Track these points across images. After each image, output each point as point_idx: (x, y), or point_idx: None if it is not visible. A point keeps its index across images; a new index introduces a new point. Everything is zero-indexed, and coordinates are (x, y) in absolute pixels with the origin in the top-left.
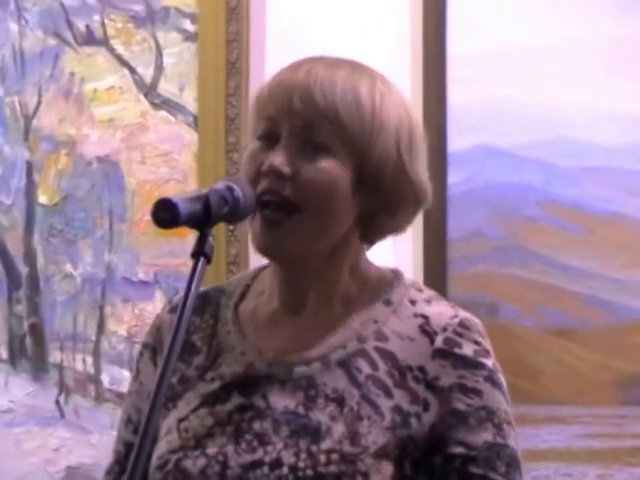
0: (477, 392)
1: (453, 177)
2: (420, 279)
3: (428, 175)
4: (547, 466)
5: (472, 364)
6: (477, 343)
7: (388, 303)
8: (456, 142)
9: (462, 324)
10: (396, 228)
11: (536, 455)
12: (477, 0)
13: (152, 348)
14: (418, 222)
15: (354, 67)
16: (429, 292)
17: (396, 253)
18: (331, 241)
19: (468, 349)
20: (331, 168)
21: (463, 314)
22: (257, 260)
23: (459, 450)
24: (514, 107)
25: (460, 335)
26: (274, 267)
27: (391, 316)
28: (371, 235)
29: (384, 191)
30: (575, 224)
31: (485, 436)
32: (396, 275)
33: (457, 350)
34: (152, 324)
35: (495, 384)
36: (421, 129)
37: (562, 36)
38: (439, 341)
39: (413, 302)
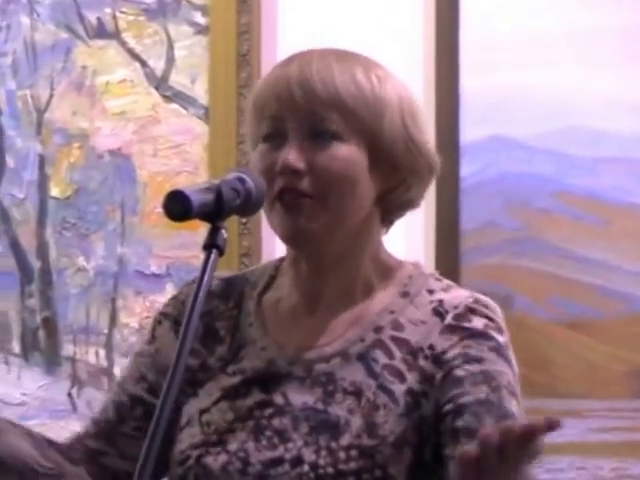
0: (478, 359)
1: (466, 168)
2: (432, 270)
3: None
4: (562, 459)
5: (479, 335)
6: (489, 319)
7: (406, 295)
8: (469, 133)
9: (476, 301)
10: (412, 202)
11: (551, 448)
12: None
13: (174, 319)
14: (431, 213)
15: (346, 54)
16: (448, 282)
17: (408, 245)
18: (353, 225)
19: (478, 322)
20: (345, 153)
21: (480, 296)
22: (269, 253)
23: (449, 407)
24: (528, 95)
25: (472, 311)
26: (295, 259)
27: (408, 306)
28: (390, 213)
29: (399, 165)
30: (590, 215)
31: (478, 395)
32: (416, 267)
33: (466, 324)
34: (175, 297)
35: (501, 355)
36: (419, 103)
37: (577, 23)
38: (449, 318)
39: (431, 291)
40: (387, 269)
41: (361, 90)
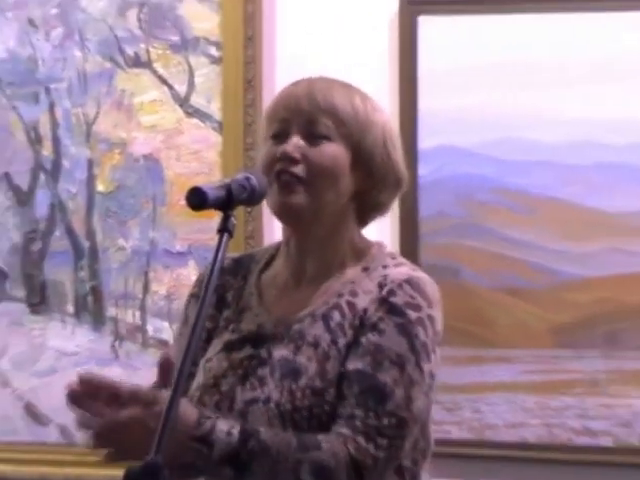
0: (380, 331)
1: (423, 169)
2: (397, 250)
3: (404, 166)
4: (497, 396)
5: (394, 310)
6: (412, 297)
7: (366, 269)
8: (425, 142)
9: (408, 281)
10: (382, 205)
11: (488, 387)
12: (442, 27)
13: (197, 297)
14: (395, 205)
15: (348, 84)
16: (401, 260)
17: (378, 229)
18: (332, 211)
19: (400, 299)
20: (332, 150)
21: (416, 274)
22: (269, 236)
23: (342, 369)
24: (473, 113)
25: (401, 288)
26: (287, 241)
27: (365, 278)
28: (363, 212)
29: (374, 172)
30: (520, 206)
31: (358, 364)
32: (379, 247)
33: (391, 298)
34: (198, 278)
35: (403, 332)
36: (398, 134)
37: (511, 55)
38: (384, 291)
39: (385, 267)
40: (359, 251)
41: (355, 110)
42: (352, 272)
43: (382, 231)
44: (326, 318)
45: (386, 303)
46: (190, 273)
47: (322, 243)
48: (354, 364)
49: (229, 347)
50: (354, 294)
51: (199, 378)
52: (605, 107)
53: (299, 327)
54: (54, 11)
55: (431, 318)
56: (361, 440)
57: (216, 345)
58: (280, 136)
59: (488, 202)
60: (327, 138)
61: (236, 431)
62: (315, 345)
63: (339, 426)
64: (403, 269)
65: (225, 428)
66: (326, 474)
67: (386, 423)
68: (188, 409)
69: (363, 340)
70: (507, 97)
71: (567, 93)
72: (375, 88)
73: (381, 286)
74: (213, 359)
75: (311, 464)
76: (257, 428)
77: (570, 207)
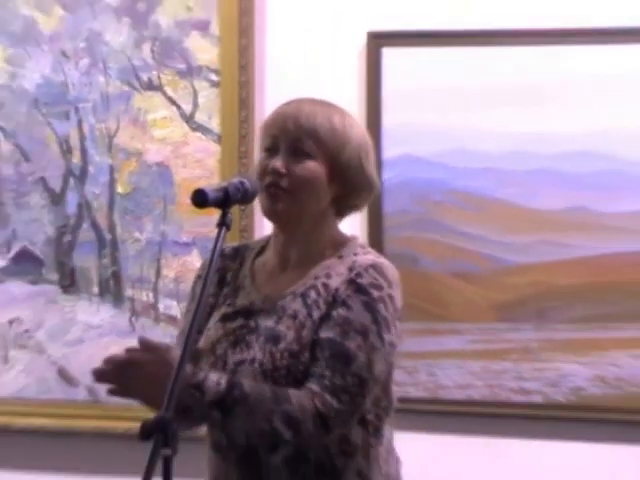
0: (348, 307)
1: (386, 174)
2: (365, 241)
3: (377, 175)
4: (448, 362)
5: (360, 289)
6: (375, 279)
7: (340, 257)
8: (389, 152)
9: (373, 265)
10: (356, 207)
11: (441, 355)
12: (402, 57)
13: (200, 278)
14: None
15: (329, 105)
16: (369, 250)
17: (351, 224)
18: (314, 213)
19: (365, 280)
20: (313, 167)
21: (380, 260)
22: (260, 229)
23: (315, 336)
24: (428, 128)
25: (366, 271)
26: (276, 235)
27: (339, 264)
28: (341, 212)
29: (349, 182)
30: (469, 205)
31: (330, 333)
32: (353, 239)
33: (358, 280)
34: (202, 264)
35: (367, 307)
36: (372, 147)
37: (460, 81)
38: (353, 273)
39: (355, 254)
40: (337, 243)
41: (334, 130)
42: (329, 260)
43: (353, 225)
44: (304, 296)
45: (354, 283)
46: (194, 260)
47: (304, 238)
48: (326, 333)
49: (225, 318)
50: (328, 276)
51: (200, 343)
52: (534, 123)
53: (282, 303)
54: (82, 44)
55: (391, 297)
56: (327, 396)
57: (215, 316)
58: (272, 149)
59: (442, 202)
60: (309, 156)
61: (224, 381)
62: (294, 317)
63: (310, 383)
64: (369, 256)
65: (215, 378)
66: (294, 423)
67: (349, 382)
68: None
69: (334, 313)
70: (457, 115)
71: (504, 112)
72: (347, 107)
73: (350, 269)
74: (212, 328)
75: (282, 414)
76: (241, 380)
77: (509, 206)
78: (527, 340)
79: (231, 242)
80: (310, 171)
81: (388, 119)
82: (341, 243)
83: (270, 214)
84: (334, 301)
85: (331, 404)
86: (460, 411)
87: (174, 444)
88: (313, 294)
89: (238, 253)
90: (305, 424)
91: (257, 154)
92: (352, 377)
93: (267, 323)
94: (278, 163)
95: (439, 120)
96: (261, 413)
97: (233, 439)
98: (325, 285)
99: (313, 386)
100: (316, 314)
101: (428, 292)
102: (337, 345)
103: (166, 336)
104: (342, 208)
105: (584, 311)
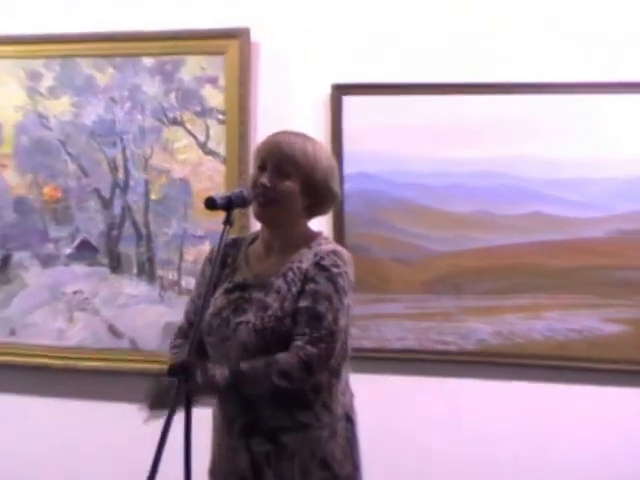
0: (316, 282)
1: (346, 186)
2: (331, 235)
3: (339, 190)
4: (390, 322)
5: (323, 268)
6: (334, 261)
7: (310, 247)
8: (348, 170)
9: (333, 252)
10: (323, 212)
11: (385, 317)
12: (359, 103)
13: (210, 260)
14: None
15: (304, 136)
16: (332, 241)
17: (320, 223)
18: (290, 216)
19: (327, 262)
20: (290, 185)
21: (339, 248)
22: (254, 226)
23: (296, 306)
24: (377, 155)
25: (328, 255)
26: (263, 229)
27: (308, 252)
28: (311, 215)
29: (317, 195)
30: (405, 209)
31: (305, 303)
32: (319, 234)
33: (321, 262)
34: (210, 250)
35: (330, 280)
36: (337, 168)
37: (399, 119)
38: (317, 258)
39: (319, 244)
40: (308, 238)
41: (306, 155)
42: (302, 250)
43: (323, 223)
44: (284, 275)
45: (319, 265)
46: (206, 248)
47: (283, 233)
48: (302, 303)
49: (227, 291)
50: (301, 262)
51: (209, 310)
52: (453, 152)
53: (269, 280)
54: (126, 93)
55: (346, 272)
56: (308, 347)
57: (219, 290)
58: (261, 167)
59: (386, 207)
60: (288, 176)
61: (227, 372)
62: (278, 292)
63: (296, 340)
64: (330, 245)
65: (219, 372)
66: (287, 375)
67: (323, 334)
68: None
69: (307, 288)
70: (397, 145)
71: (432, 143)
72: (318, 138)
73: (316, 255)
74: (218, 298)
75: (276, 372)
76: (238, 365)
77: (433, 211)
78: (446, 306)
79: (232, 235)
80: (288, 188)
81: (347, 147)
82: (311, 237)
83: (259, 217)
84: (305, 278)
85: (312, 352)
86: (398, 357)
87: (192, 380)
88: (291, 274)
89: (236, 243)
90: (294, 373)
91: (252, 170)
92: (325, 330)
93: (258, 295)
94: (265, 179)
95: (384, 148)
96: (261, 378)
97: (247, 399)
98: (299, 267)
99: (298, 342)
100: (294, 289)
101: (376, 272)
102: (311, 310)
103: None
104: (312, 213)
105: (486, 286)
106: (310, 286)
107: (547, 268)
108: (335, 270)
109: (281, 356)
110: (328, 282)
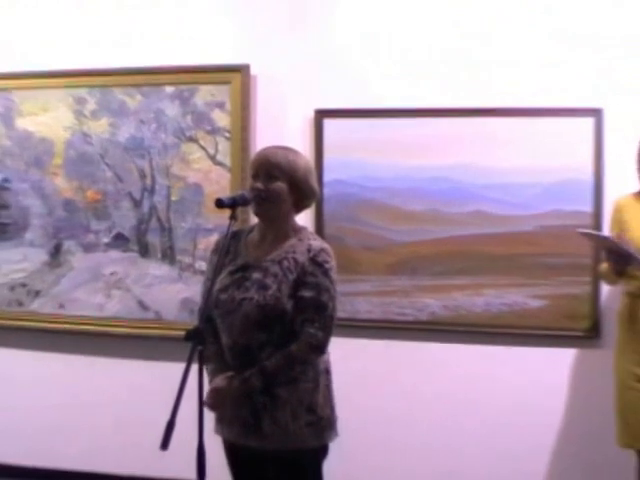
0: (315, 275)
1: (325, 190)
2: (313, 228)
3: (317, 187)
4: (360, 298)
5: (318, 264)
6: (325, 257)
7: (300, 239)
8: (327, 177)
9: (321, 249)
10: (307, 206)
11: (356, 294)
12: (336, 125)
13: (217, 250)
14: (313, 207)
15: (286, 148)
16: (317, 237)
17: (306, 219)
18: (281, 212)
19: (320, 258)
20: (279, 186)
21: (325, 245)
22: (253, 220)
23: (298, 294)
24: (350, 164)
25: (320, 253)
26: (259, 222)
27: (300, 245)
28: (298, 210)
29: (301, 193)
30: (372, 208)
31: (309, 294)
32: (305, 228)
33: (315, 258)
34: (216, 242)
35: (326, 275)
36: (314, 170)
37: (369, 138)
38: (311, 254)
39: (308, 239)
40: (296, 230)
41: (287, 161)
42: (292, 240)
43: (307, 219)
44: (280, 263)
45: (314, 261)
46: (214, 238)
47: (276, 225)
48: (307, 293)
49: (231, 272)
50: (294, 252)
51: (217, 286)
52: (413, 161)
53: (266, 264)
54: (152, 115)
55: (333, 266)
56: (319, 333)
57: (224, 272)
58: (255, 176)
59: (357, 206)
60: (276, 178)
61: (255, 371)
62: (275, 275)
63: (306, 327)
64: (318, 242)
65: (249, 375)
66: (303, 360)
67: (327, 320)
68: (234, 384)
69: (308, 280)
70: (367, 156)
71: (396, 155)
72: (302, 151)
73: (309, 250)
74: (224, 278)
75: (297, 362)
76: (264, 364)
77: (395, 209)
78: (405, 285)
79: (234, 228)
80: (279, 188)
81: (327, 159)
82: (299, 230)
83: (257, 213)
84: (303, 272)
85: (320, 337)
86: (367, 326)
87: (204, 343)
88: (286, 262)
89: (236, 235)
90: (309, 357)
91: (249, 178)
92: (328, 317)
93: (257, 276)
94: (259, 184)
95: (356, 160)
96: (286, 369)
97: (249, 363)
98: (294, 259)
99: (310, 330)
100: (290, 276)
101: (349, 258)
102: (316, 300)
103: (200, 282)
104: (298, 208)
105: (437, 269)
106: (310, 279)
107: (485, 255)
108: (327, 265)
109: (295, 347)
110: (324, 276)
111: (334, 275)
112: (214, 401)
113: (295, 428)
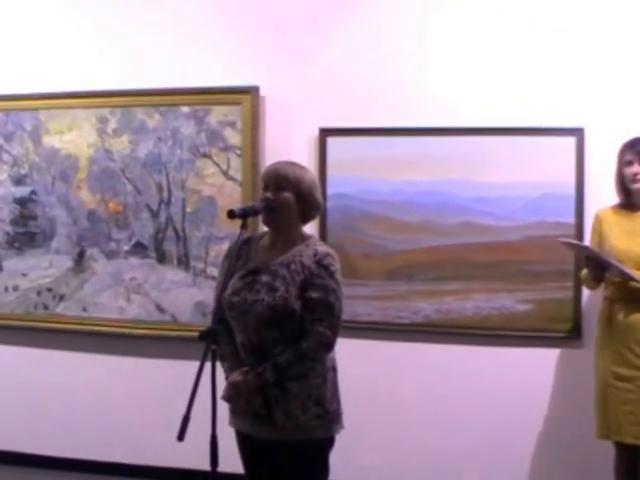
0: (322, 277)
1: (329, 203)
2: (318, 236)
3: (322, 200)
4: (360, 301)
5: (325, 267)
6: (331, 261)
7: (307, 245)
8: (330, 191)
9: (327, 254)
10: (312, 217)
11: (356, 297)
12: (339, 143)
13: (228, 256)
14: (318, 218)
15: (293, 163)
16: (323, 243)
17: (311, 229)
18: (289, 222)
19: (327, 262)
20: (287, 196)
21: (331, 250)
22: (262, 228)
23: (306, 295)
24: (351, 179)
25: (325, 257)
26: (270, 231)
27: (306, 250)
28: (304, 220)
29: (307, 204)
30: (371, 219)
31: (317, 295)
32: (312, 236)
33: (322, 261)
34: (228, 248)
35: (332, 277)
36: (319, 185)
37: (368, 155)
38: (317, 258)
39: (315, 245)
40: (304, 237)
41: (295, 174)
42: (299, 246)
43: (312, 229)
44: (288, 266)
45: (321, 264)
46: (225, 246)
47: (284, 233)
48: (315, 294)
49: (242, 276)
50: (301, 256)
51: (229, 290)
52: (407, 176)
53: (274, 267)
54: (169, 133)
55: (338, 269)
56: (328, 331)
57: (236, 275)
58: (266, 188)
59: (357, 217)
60: (284, 189)
61: (268, 366)
62: (283, 278)
63: (315, 326)
64: (324, 247)
65: (263, 370)
66: (312, 357)
67: (335, 320)
68: (249, 378)
69: (315, 282)
70: (366, 172)
71: (393, 171)
72: (308, 166)
73: (315, 254)
74: (236, 282)
75: (307, 358)
76: (276, 360)
77: (391, 220)
78: (401, 290)
79: (246, 235)
80: (287, 198)
81: (330, 174)
82: (306, 237)
83: (266, 222)
84: (311, 274)
85: (329, 335)
86: (366, 327)
87: (217, 342)
88: (293, 266)
89: (248, 240)
90: (318, 354)
91: (260, 191)
92: (335, 316)
93: (266, 279)
94: (269, 194)
95: (357, 175)
96: (297, 365)
97: (263, 359)
98: (301, 262)
99: (319, 328)
100: (297, 278)
101: (350, 264)
102: (324, 300)
103: (212, 286)
104: (304, 218)
105: (431, 275)
106: (317, 281)
107: (476, 262)
108: (332, 268)
109: (306, 344)
110: (330, 278)
111: (339, 277)
112: (231, 394)
113: (304, 420)
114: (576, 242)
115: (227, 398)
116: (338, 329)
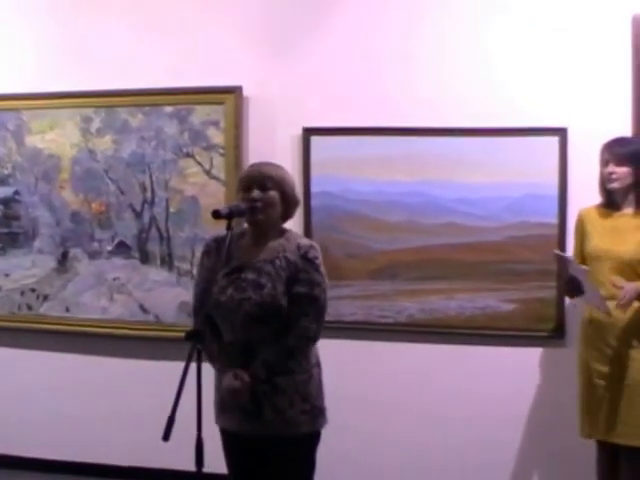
0: (307, 272)
1: (313, 201)
2: (303, 234)
3: (301, 198)
4: (346, 302)
5: (309, 261)
6: (315, 253)
7: (288, 240)
8: (314, 189)
9: (311, 246)
10: (290, 216)
11: (341, 297)
12: (323, 142)
13: (207, 252)
14: (300, 216)
15: (272, 164)
16: (302, 235)
17: (294, 224)
18: (273, 220)
19: (310, 255)
20: (272, 195)
21: (313, 243)
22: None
23: (292, 290)
24: (336, 178)
25: (309, 249)
26: (251, 228)
27: (289, 244)
28: (284, 219)
29: (289, 201)
30: (355, 219)
31: (303, 289)
32: (290, 230)
33: (306, 255)
34: (206, 244)
35: (317, 271)
36: (296, 183)
37: (351, 154)
38: (302, 252)
39: (296, 238)
40: (283, 232)
41: (277, 174)
42: (280, 240)
43: (296, 229)
44: (273, 262)
45: (306, 257)
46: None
47: (266, 230)
48: (301, 289)
49: (227, 274)
50: (285, 251)
51: (215, 289)
52: (389, 176)
53: (259, 264)
54: (152, 133)
55: (321, 262)
56: (313, 325)
57: (221, 273)
58: (248, 188)
59: (341, 217)
60: (269, 189)
61: (259, 365)
62: (268, 274)
63: (302, 321)
64: (305, 240)
65: (254, 367)
66: (300, 350)
67: (319, 312)
68: (246, 381)
69: (301, 276)
70: (350, 171)
71: (375, 170)
72: (292, 169)
73: (299, 248)
74: (220, 280)
75: (295, 353)
76: (265, 357)
77: (375, 220)
78: (385, 290)
79: (221, 234)
80: (272, 197)
81: (314, 173)
82: (284, 232)
83: (251, 221)
84: (297, 270)
85: (314, 328)
86: (350, 327)
87: (203, 343)
88: (278, 262)
89: (223, 239)
90: (305, 347)
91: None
92: (320, 308)
93: (252, 276)
94: (255, 194)
95: (340, 174)
96: (286, 359)
97: (251, 358)
98: (285, 257)
99: (305, 323)
100: (283, 274)
101: (334, 264)
102: (309, 295)
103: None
104: (285, 217)
105: (414, 275)
106: (304, 276)
107: (459, 262)
108: (317, 261)
109: (292, 339)
110: (316, 272)
111: (323, 270)
112: (234, 399)
113: (292, 415)
114: (565, 255)
115: (229, 404)
116: (323, 321)
